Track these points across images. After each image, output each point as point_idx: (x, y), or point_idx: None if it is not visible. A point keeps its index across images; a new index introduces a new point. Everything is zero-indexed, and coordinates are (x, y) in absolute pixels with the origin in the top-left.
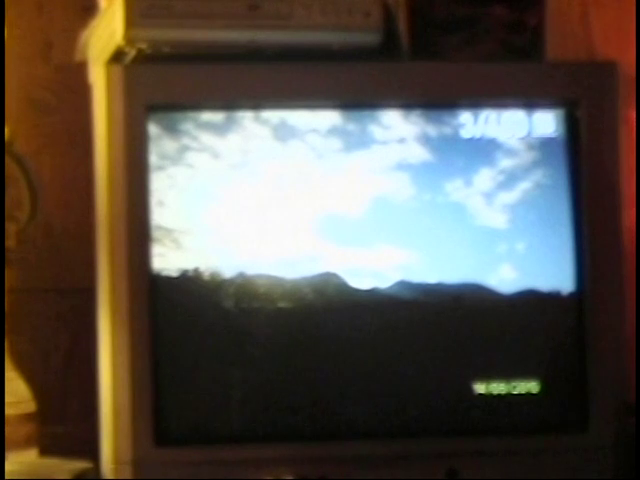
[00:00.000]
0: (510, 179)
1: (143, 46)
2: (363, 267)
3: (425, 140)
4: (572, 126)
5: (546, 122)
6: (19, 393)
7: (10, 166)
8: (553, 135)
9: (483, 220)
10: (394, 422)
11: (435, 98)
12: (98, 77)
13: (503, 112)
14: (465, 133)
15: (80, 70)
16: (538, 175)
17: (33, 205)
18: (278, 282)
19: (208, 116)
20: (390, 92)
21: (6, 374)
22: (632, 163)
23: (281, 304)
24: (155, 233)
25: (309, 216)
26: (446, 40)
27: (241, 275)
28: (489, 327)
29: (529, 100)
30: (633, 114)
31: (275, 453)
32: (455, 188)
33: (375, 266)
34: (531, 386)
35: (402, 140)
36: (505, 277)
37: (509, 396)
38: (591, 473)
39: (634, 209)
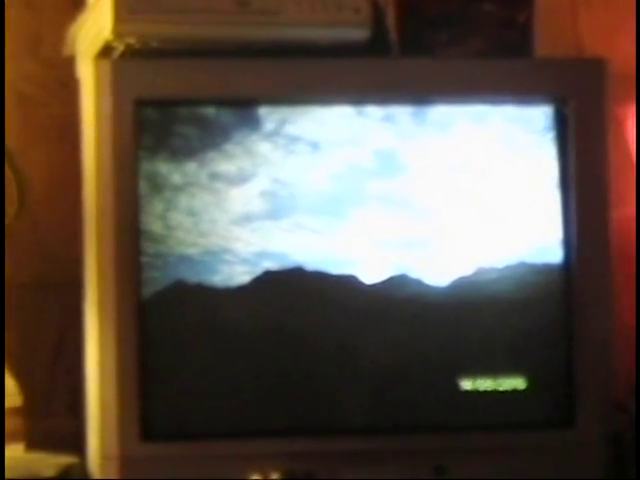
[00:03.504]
0: (498, 174)
1: (132, 41)
2: (347, 263)
3: (414, 136)
4: (561, 123)
5: (535, 118)
6: (6, 387)
7: None
8: (542, 131)
9: (469, 218)
10: (381, 419)
11: (424, 94)
12: (86, 72)
13: (492, 108)
14: (454, 129)
15: (68, 65)
16: (526, 171)
17: (21, 200)
18: (262, 278)
19: (196, 111)
20: (379, 88)
21: None
22: (621, 160)
23: (268, 300)
24: (142, 228)
25: (290, 213)
26: (435, 36)
27: (228, 269)
28: (476, 324)
29: (518, 96)
30: (623, 111)
31: (262, 448)
32: (444, 182)
33: (361, 262)
34: (518, 383)
35: (391, 136)
36: (492, 275)
37: (496, 393)
38: (577, 469)
39: (631, 208)
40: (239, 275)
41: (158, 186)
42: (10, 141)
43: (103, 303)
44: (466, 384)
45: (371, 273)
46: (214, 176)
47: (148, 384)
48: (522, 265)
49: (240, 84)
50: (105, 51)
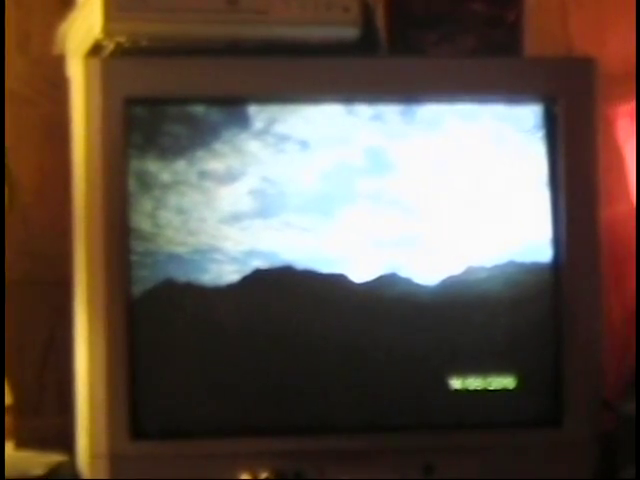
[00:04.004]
0: (487, 173)
1: (121, 39)
2: (336, 261)
3: (403, 135)
4: (550, 122)
5: (524, 117)
6: None
7: None
8: (531, 130)
9: (459, 216)
10: (370, 417)
11: (413, 93)
12: (76, 70)
13: (481, 107)
14: (443, 128)
15: (58, 63)
16: (515, 169)
17: (10, 198)
18: (251, 276)
19: (186, 109)
20: (368, 87)
21: None
22: (610, 159)
23: (258, 299)
24: (132, 226)
25: (280, 212)
26: (424, 35)
27: (217, 268)
28: (465, 323)
29: (508, 95)
30: (612, 111)
31: (251, 447)
32: (433, 181)
33: (350, 260)
34: (507, 382)
35: (380, 135)
36: (481, 274)
37: (485, 392)
38: (566, 469)
39: (619, 207)
40: (228, 274)
41: (147, 184)
42: None
43: (93, 301)
44: (455, 383)
45: (361, 272)
46: (203, 175)
47: (138, 383)
48: (511, 264)
49: (229, 83)
50: (95, 49)
